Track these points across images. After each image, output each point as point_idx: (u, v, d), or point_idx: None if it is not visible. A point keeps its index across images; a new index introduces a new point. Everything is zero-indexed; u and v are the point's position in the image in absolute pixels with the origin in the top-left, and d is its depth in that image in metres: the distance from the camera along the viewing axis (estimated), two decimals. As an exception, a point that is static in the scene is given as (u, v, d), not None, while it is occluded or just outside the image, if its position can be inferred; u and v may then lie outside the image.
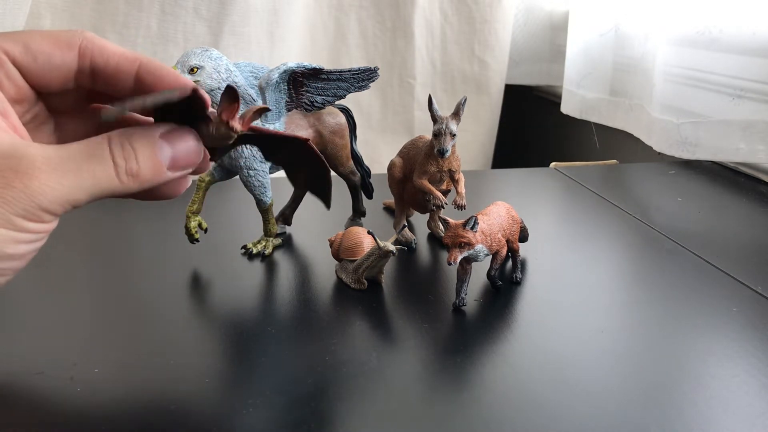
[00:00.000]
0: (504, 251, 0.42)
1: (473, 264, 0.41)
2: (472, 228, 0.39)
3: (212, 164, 0.47)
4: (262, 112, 0.27)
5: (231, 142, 0.27)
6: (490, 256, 0.42)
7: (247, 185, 0.48)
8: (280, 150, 0.33)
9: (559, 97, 1.03)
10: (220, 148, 0.28)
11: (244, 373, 0.34)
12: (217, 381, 0.33)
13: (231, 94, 0.26)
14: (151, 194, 0.28)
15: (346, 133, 0.52)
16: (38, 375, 0.33)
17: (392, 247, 0.41)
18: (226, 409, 0.31)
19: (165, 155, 0.26)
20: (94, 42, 0.28)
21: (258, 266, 0.47)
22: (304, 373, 0.34)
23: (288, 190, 0.55)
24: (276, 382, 0.33)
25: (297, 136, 0.30)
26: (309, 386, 0.33)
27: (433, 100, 0.47)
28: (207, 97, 0.26)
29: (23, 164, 0.23)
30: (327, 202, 0.34)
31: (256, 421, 0.30)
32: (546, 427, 0.30)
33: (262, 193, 0.48)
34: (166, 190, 0.29)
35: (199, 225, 0.49)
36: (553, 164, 0.77)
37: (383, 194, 0.58)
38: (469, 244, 0.39)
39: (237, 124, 0.26)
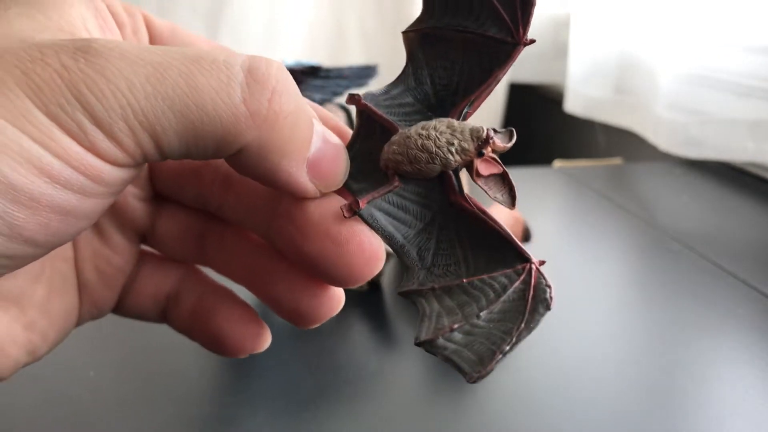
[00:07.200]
0: (506, 252, 0.41)
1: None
2: (473, 228, 0.38)
3: None
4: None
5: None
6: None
7: None
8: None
9: (563, 95, 1.03)
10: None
11: (243, 375, 0.33)
12: (216, 383, 0.33)
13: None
14: (288, 305, 0.19)
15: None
16: (33, 379, 0.33)
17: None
18: (226, 412, 0.30)
19: (316, 126, 0.16)
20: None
21: (257, 267, 0.47)
22: (303, 375, 0.33)
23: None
24: (275, 385, 0.32)
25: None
26: (308, 389, 0.32)
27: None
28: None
29: (72, 43, 0.14)
30: None
31: (255, 424, 0.30)
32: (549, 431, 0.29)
33: None
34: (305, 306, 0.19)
35: None
36: (556, 163, 0.76)
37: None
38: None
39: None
